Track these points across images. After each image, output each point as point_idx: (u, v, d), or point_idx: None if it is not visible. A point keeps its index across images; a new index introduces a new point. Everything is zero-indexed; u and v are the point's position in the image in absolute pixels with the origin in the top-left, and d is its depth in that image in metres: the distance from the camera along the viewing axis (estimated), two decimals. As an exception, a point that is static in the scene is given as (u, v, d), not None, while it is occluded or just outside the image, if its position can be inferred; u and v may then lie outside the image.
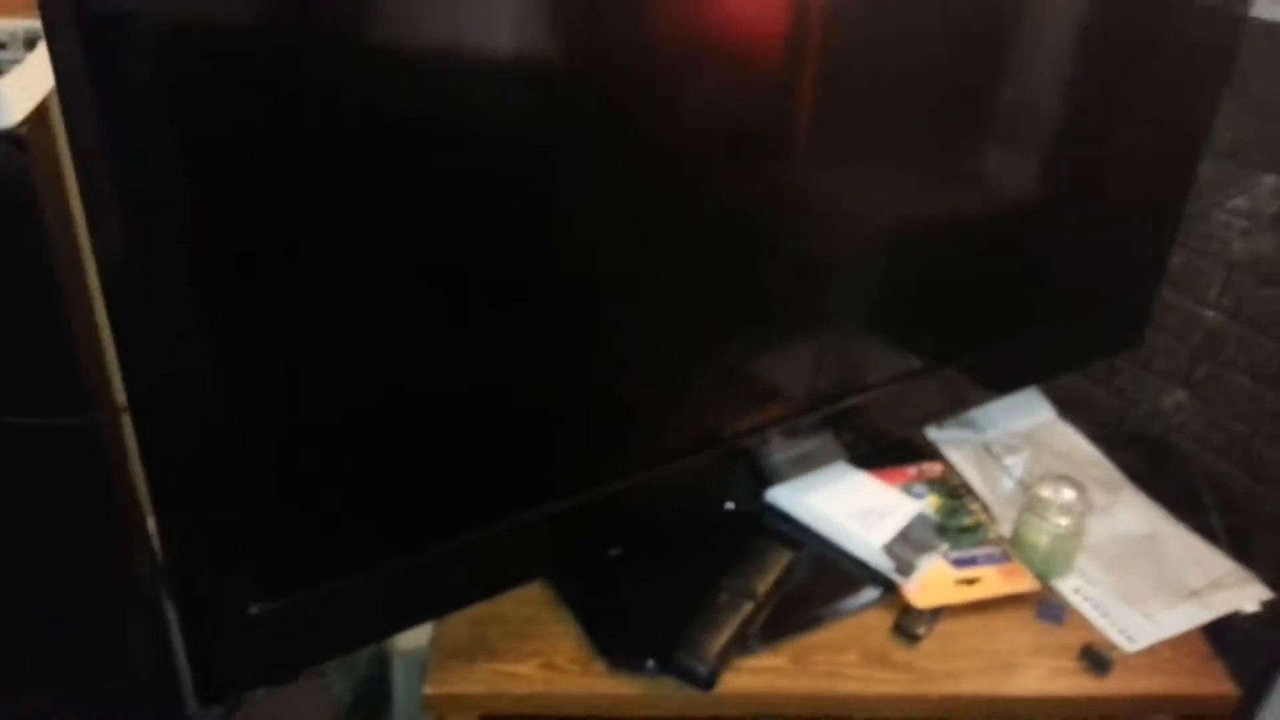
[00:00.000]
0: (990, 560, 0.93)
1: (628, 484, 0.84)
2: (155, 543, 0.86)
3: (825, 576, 0.91)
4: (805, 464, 0.96)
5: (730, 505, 0.97)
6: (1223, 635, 0.92)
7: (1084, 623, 0.90)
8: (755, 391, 0.91)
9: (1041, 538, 0.92)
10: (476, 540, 0.76)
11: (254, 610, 0.66)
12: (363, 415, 0.67)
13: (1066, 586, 0.92)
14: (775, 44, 0.76)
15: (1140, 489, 1.05)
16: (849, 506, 0.94)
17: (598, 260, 0.75)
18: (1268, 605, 0.94)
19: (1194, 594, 0.92)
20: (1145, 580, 0.93)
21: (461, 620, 0.84)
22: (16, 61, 0.69)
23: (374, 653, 1.20)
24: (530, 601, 0.87)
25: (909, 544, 0.92)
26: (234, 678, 0.68)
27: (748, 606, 0.84)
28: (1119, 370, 1.25)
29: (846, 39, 0.78)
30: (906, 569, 0.90)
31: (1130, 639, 0.88)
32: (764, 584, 0.86)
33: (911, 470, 1.02)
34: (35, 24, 0.73)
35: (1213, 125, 1.07)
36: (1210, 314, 1.14)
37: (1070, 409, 1.23)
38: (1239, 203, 1.09)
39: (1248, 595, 0.93)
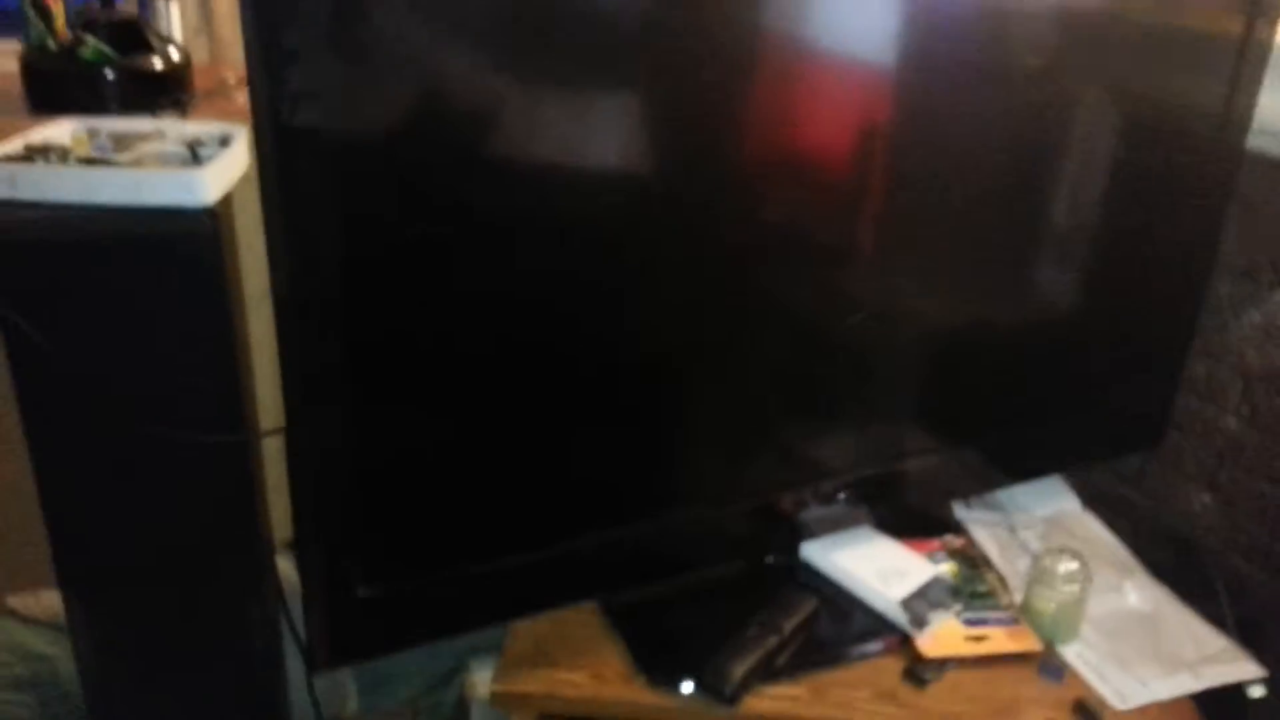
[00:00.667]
0: (999, 623, 1.03)
1: (680, 527, 0.99)
2: (279, 567, 1.03)
3: (846, 623, 1.03)
4: (838, 525, 1.09)
5: (770, 559, 1.10)
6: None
7: (1081, 683, 0.99)
8: (802, 459, 1.05)
9: (1048, 605, 1.02)
10: (549, 558, 0.91)
11: (361, 593, 0.82)
12: (461, 449, 0.84)
13: (1069, 651, 1.02)
14: (844, 170, 0.93)
15: (1151, 574, 1.14)
16: (873, 565, 1.06)
17: (682, 346, 0.92)
18: (1273, 690, 1.02)
19: (1188, 665, 1.01)
20: (1143, 650, 1.02)
21: (528, 634, 0.99)
22: (214, 157, 0.89)
23: (456, 698, 1.35)
24: (587, 625, 1.01)
25: (925, 601, 1.03)
26: (342, 649, 0.84)
27: (773, 640, 0.96)
28: (1150, 473, 1.34)
29: (906, 165, 0.95)
30: (920, 622, 1.01)
31: (1123, 698, 0.97)
32: (790, 623, 0.98)
33: (936, 542, 1.13)
34: (229, 128, 0.94)
35: (1222, 246, 1.18)
36: (1231, 421, 1.24)
37: (1105, 506, 1.33)
38: (1254, 317, 1.20)
39: (1240, 671, 1.01)
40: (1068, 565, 1.01)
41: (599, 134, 0.80)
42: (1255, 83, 1.07)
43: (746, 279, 0.93)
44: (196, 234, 0.82)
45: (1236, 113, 1.08)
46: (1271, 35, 1.05)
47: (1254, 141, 1.12)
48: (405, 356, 0.78)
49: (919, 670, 0.98)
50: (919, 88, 0.93)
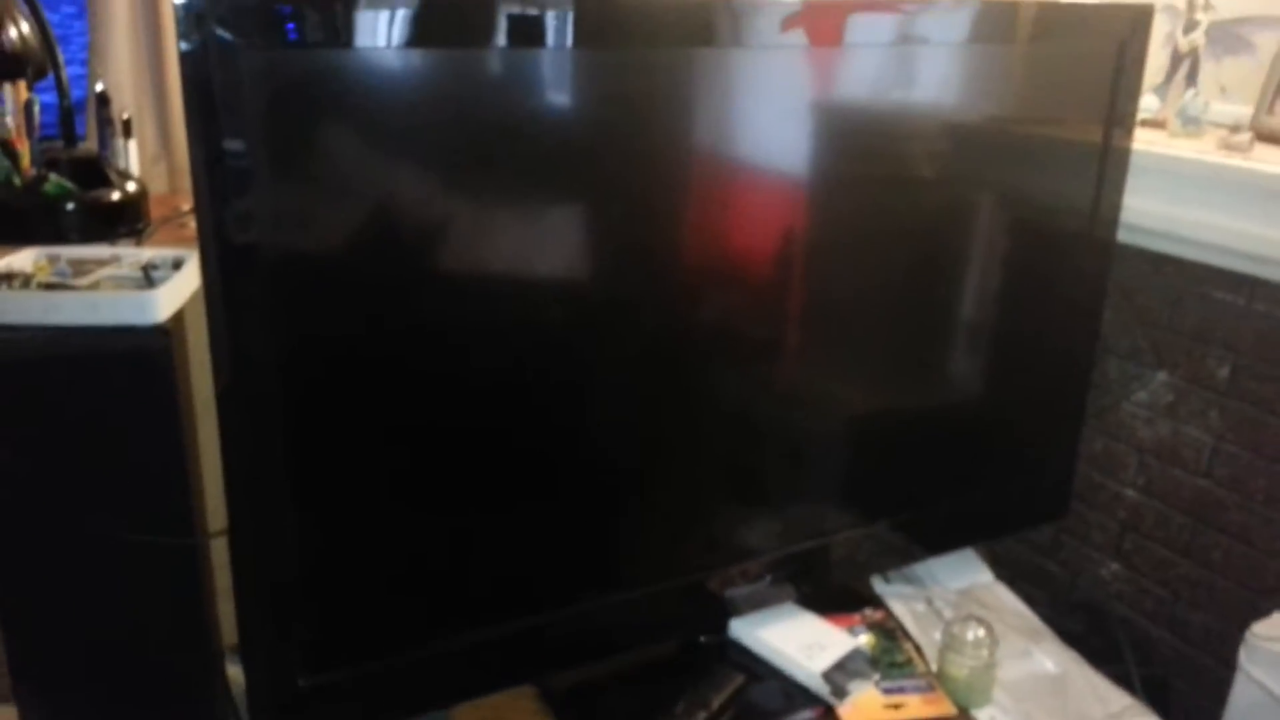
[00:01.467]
0: (916, 690, 1.10)
1: (614, 608, 1.05)
2: (229, 672, 1.08)
3: (772, 696, 1.09)
4: (763, 602, 1.16)
5: (703, 639, 1.16)
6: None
7: (995, 745, 1.05)
8: (730, 540, 1.12)
9: (960, 671, 1.09)
10: (485, 643, 0.97)
11: (302, 683, 0.87)
12: (397, 541, 0.90)
13: (983, 715, 1.08)
14: (767, 272, 1.03)
15: (1061, 640, 1.21)
16: (796, 640, 1.12)
17: (617, 438, 0.99)
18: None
19: (1095, 724, 1.08)
20: (1053, 711, 1.09)
21: (470, 715, 1.03)
22: (166, 278, 0.97)
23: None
24: (525, 709, 1.06)
25: (845, 672, 1.09)
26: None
27: (701, 715, 1.02)
28: (1063, 544, 1.43)
29: (821, 267, 1.05)
30: (841, 692, 1.07)
31: (1033, 758, 1.03)
32: (718, 699, 1.04)
33: (856, 616, 1.20)
34: (181, 252, 1.02)
35: (1107, 332, 1.29)
36: (1130, 492, 1.33)
37: (1024, 579, 1.41)
38: (1141, 395, 1.30)
39: (1145, 728, 1.08)
40: (975, 632, 1.08)
41: (535, 246, 0.89)
42: (1118, 184, 1.19)
43: (678, 373, 1.01)
44: (149, 349, 0.90)
45: (1104, 211, 1.20)
46: (1127, 143, 1.17)
47: (1126, 236, 1.24)
48: (342, 456, 0.85)
49: (840, 739, 1.04)
50: (830, 196, 1.03)
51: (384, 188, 0.80)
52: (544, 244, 0.90)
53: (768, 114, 0.97)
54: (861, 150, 1.04)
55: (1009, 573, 1.39)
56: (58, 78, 1.00)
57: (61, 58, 1.02)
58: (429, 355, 0.86)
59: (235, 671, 1.09)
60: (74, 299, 0.89)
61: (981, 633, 1.08)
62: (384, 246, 0.82)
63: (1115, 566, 1.37)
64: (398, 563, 0.91)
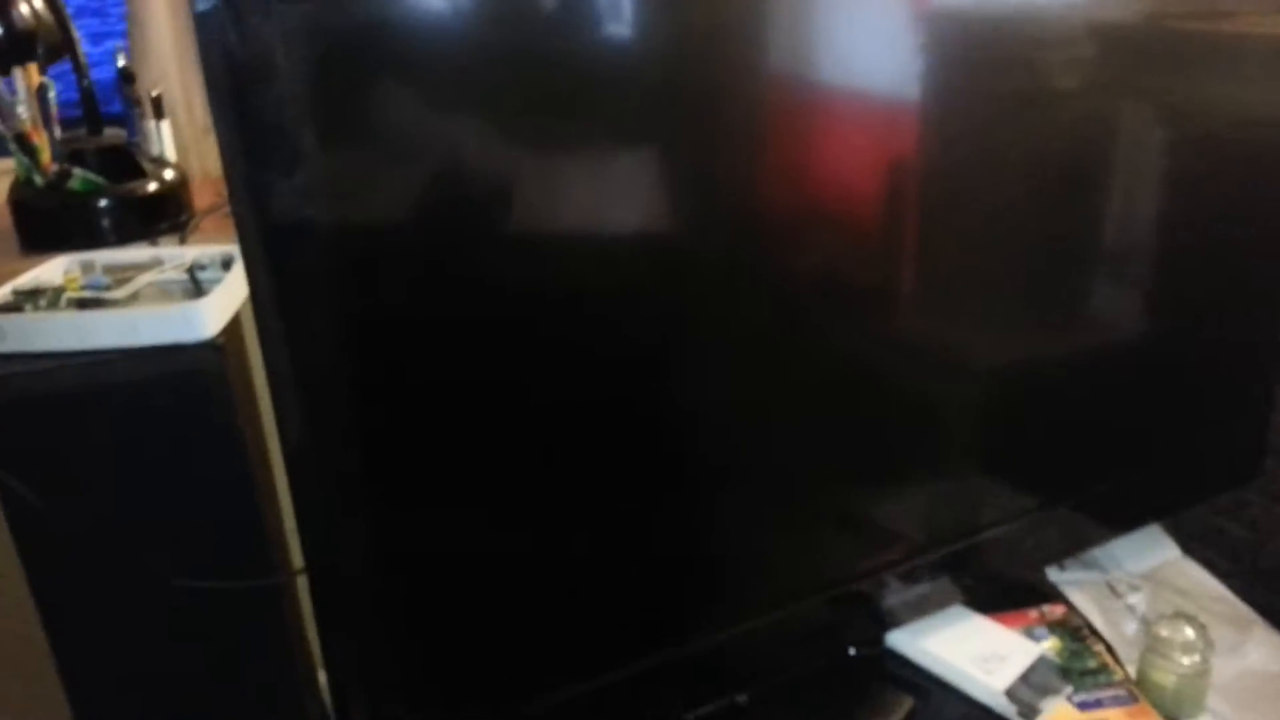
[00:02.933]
0: (1116, 702, 0.93)
1: (749, 629, 0.90)
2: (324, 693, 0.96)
3: (948, 720, 0.93)
4: (923, 608, 1.00)
5: (853, 651, 1.00)
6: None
7: (1219, 765, 0.89)
8: (872, 536, 0.96)
9: (1167, 678, 0.92)
10: (602, 684, 0.82)
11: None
12: (495, 578, 0.76)
13: (1199, 728, 0.92)
14: (877, 205, 0.85)
15: (1272, 626, 1.04)
16: (969, 650, 0.96)
17: (719, 414, 0.82)
18: None
19: (1337, 734, 0.90)
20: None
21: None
22: (216, 281, 0.83)
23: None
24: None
25: (1031, 688, 0.93)
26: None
27: (870, 751, 0.87)
28: (1249, 503, 1.24)
29: (947, 195, 0.86)
30: (1030, 713, 0.91)
31: (1270, 782, 0.86)
32: (886, 728, 0.89)
33: (1032, 613, 1.03)
34: (230, 248, 0.88)
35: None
36: (1334, 444, 1.14)
37: (1203, 543, 1.22)
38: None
39: (1397, 735, 0.90)
40: (1185, 634, 0.91)
41: (620, 199, 0.73)
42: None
43: (793, 342, 0.84)
44: (199, 371, 0.75)
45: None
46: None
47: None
48: (434, 474, 0.70)
49: (1036, 768, 0.88)
50: (949, 119, 0.85)
51: (453, 146, 0.64)
52: (636, 194, 0.73)
53: (871, 24, 0.79)
54: (985, 58, 0.85)
55: (1180, 536, 1.22)
56: (73, 54, 0.86)
57: (76, 32, 0.87)
58: (524, 336, 0.70)
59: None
60: (109, 318, 0.76)
61: (1192, 634, 0.92)
62: (462, 213, 0.66)
63: (1315, 529, 1.18)
64: (500, 595, 0.76)
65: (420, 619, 0.73)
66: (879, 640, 1.00)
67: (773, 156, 0.78)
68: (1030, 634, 1.00)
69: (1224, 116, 1.00)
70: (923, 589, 0.99)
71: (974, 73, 0.84)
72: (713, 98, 0.73)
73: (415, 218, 0.64)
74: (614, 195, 0.72)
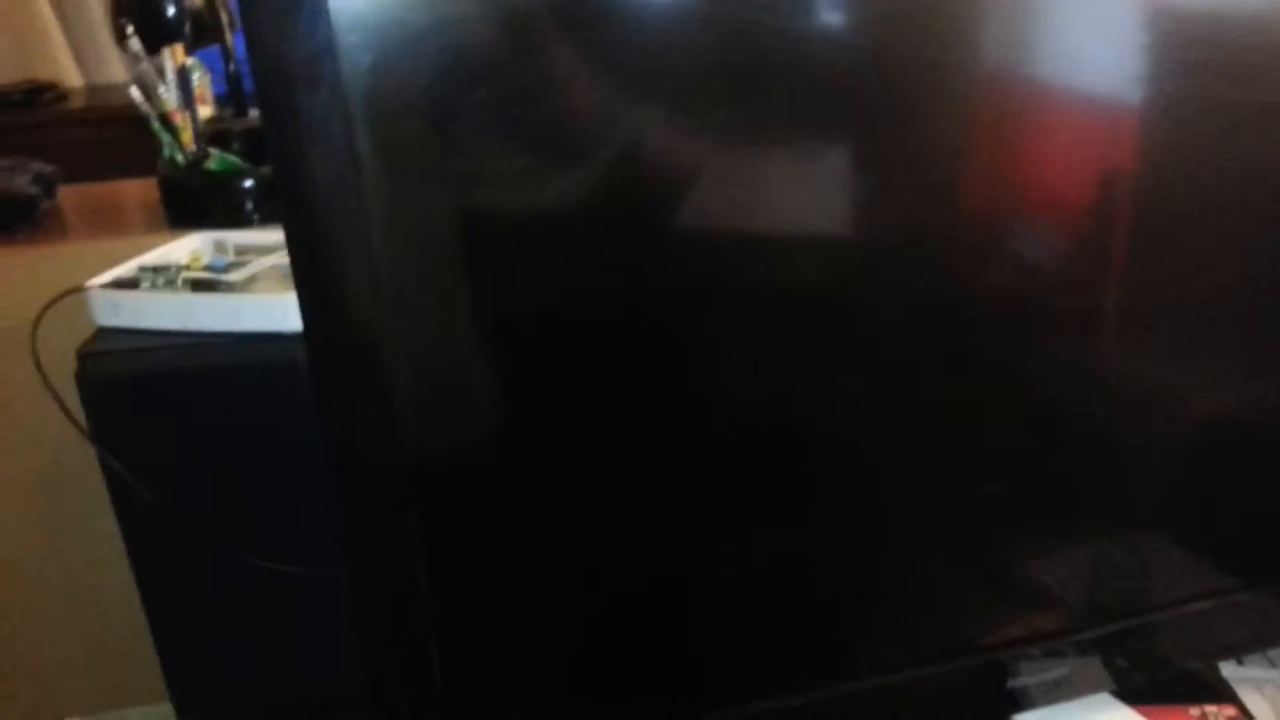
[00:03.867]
0: (1286, 837, 0.79)
1: (872, 686, 0.82)
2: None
3: (1073, 827, 0.82)
4: (1065, 691, 0.88)
5: (977, 729, 0.90)
6: None
7: None
8: (1027, 600, 0.86)
9: (1356, 819, 0.77)
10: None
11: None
12: (607, 599, 0.71)
13: None
14: (1082, 219, 0.75)
15: None
16: (1108, 748, 0.85)
17: (882, 442, 0.75)
18: None
19: None
20: None
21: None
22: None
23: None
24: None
25: (1179, 803, 0.81)
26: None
27: None
28: None
29: (1165, 215, 0.75)
30: (1174, 832, 0.79)
31: None
32: (996, 826, 0.79)
33: (1193, 711, 0.90)
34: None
35: None
36: None
37: None
38: None
39: None
40: (1384, 773, 0.76)
41: (808, 196, 0.66)
42: None
43: (975, 368, 0.75)
44: (295, 363, 0.75)
45: None
46: None
47: None
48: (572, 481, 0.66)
49: None
50: (1175, 129, 0.73)
51: (626, 134, 0.59)
52: (818, 196, 0.66)
53: (1096, 19, 0.68)
54: (1219, 65, 0.72)
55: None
56: (220, 37, 0.87)
57: (227, 15, 0.89)
58: (679, 342, 0.65)
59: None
60: (212, 302, 0.76)
61: (1395, 774, 0.76)
62: (628, 205, 0.61)
63: None
64: (604, 618, 0.72)
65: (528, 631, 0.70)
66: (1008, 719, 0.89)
67: (978, 161, 0.69)
68: (1189, 739, 0.86)
69: None
70: (1069, 668, 0.87)
71: (1205, 79, 0.72)
72: (917, 93, 0.65)
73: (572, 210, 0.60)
74: (799, 194, 0.65)
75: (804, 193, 0.66)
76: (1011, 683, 0.86)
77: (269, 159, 0.53)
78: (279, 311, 0.75)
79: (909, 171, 0.68)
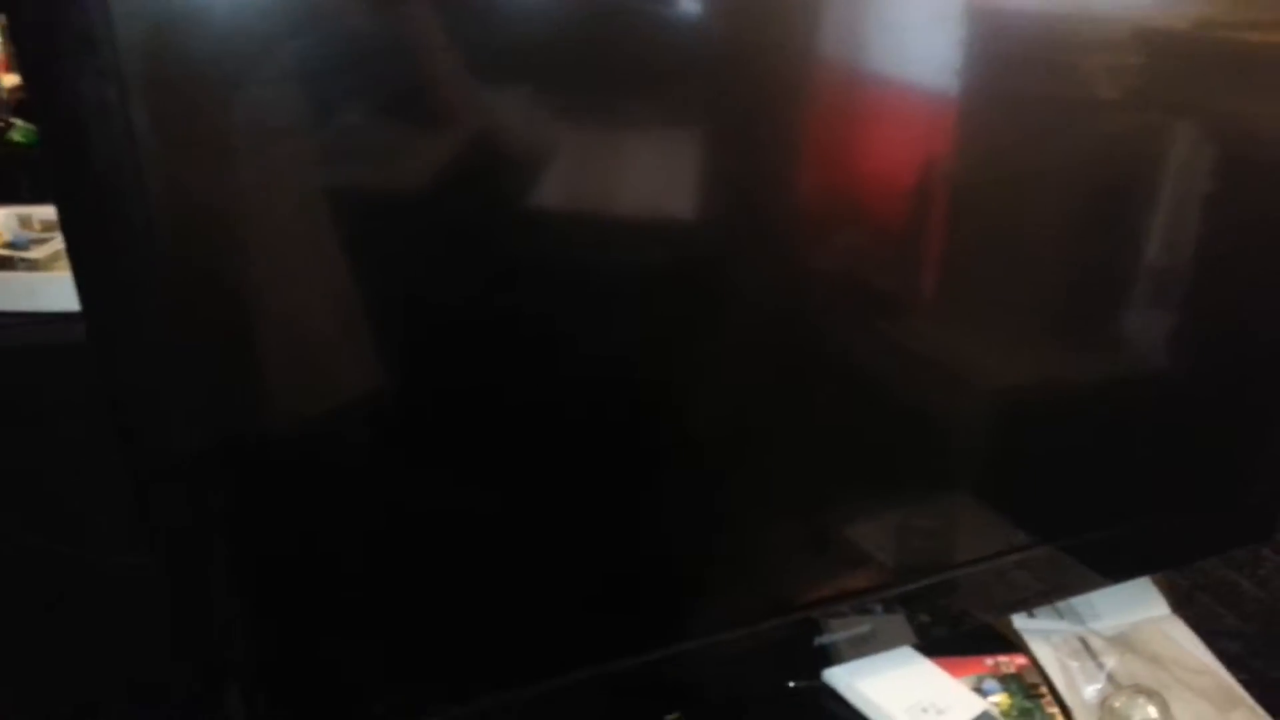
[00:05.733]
0: (1060, 772, 0.87)
1: (692, 647, 0.85)
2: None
3: (872, 771, 0.88)
4: (871, 645, 0.94)
5: (792, 684, 0.95)
6: None
7: None
8: (838, 559, 0.90)
9: (1121, 753, 0.85)
10: (531, 696, 0.79)
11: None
12: (440, 572, 0.72)
13: (1149, 811, 0.85)
14: (905, 205, 0.79)
15: (1264, 708, 0.95)
16: (907, 698, 0.90)
17: (709, 410, 0.78)
18: None
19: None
20: (1244, 815, 0.84)
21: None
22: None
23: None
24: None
25: (968, 745, 0.87)
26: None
27: (778, 795, 0.82)
28: (1264, 559, 1.15)
29: (977, 200, 0.80)
30: (961, 772, 0.85)
31: None
32: (801, 772, 0.84)
33: (987, 661, 0.96)
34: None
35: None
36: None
37: (1210, 594, 1.13)
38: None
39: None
40: (1144, 711, 0.84)
41: (638, 180, 0.68)
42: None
43: (797, 342, 0.79)
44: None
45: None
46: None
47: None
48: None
49: (956, 834, 0.82)
50: (989, 119, 0.78)
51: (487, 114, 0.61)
52: (648, 177, 0.68)
53: (913, 16, 0.72)
54: (1028, 58, 0.77)
55: (1185, 585, 1.13)
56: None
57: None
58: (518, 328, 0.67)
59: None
60: (8, 281, 0.74)
61: (1153, 712, 0.84)
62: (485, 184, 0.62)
63: (1336, 598, 1.08)
64: (414, 588, 0.73)
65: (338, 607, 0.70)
66: (816, 674, 0.94)
67: (808, 145, 0.73)
68: (979, 685, 0.93)
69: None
70: (874, 624, 0.93)
71: (1016, 73, 0.77)
72: (753, 79, 0.68)
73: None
74: (636, 177, 0.68)
75: (652, 175, 0.68)
76: (821, 639, 0.91)
77: (40, 138, 0.51)
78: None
79: (749, 155, 0.70)
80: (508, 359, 0.68)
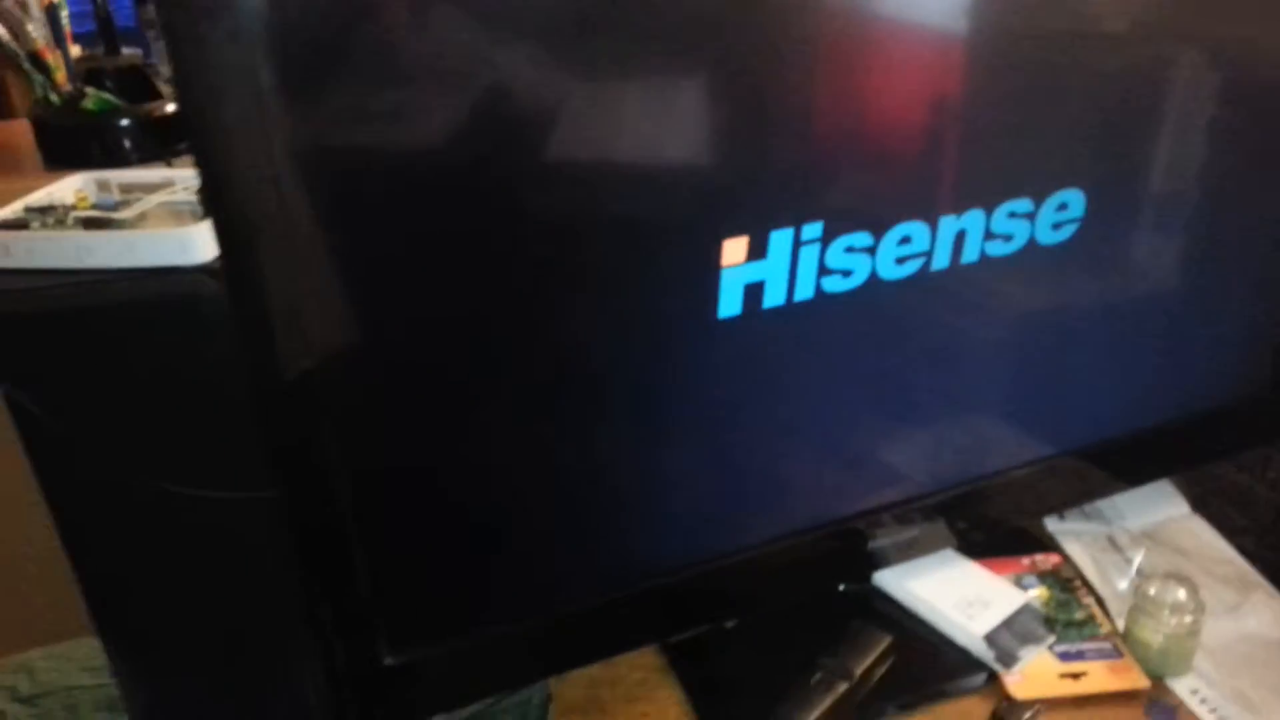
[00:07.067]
0: (1099, 655, 0.93)
1: (743, 559, 0.91)
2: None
3: (926, 662, 0.94)
4: (915, 550, 1.00)
5: (841, 587, 1.02)
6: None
7: (1197, 726, 0.89)
8: (873, 475, 0.96)
9: (1154, 636, 0.92)
10: (596, 606, 0.85)
11: (389, 662, 0.78)
12: (484, 500, 0.78)
13: (1183, 687, 0.91)
14: (914, 139, 0.82)
15: (1276, 590, 1.02)
16: (953, 594, 0.97)
17: (730, 343, 0.81)
18: None
19: (1324, 703, 0.89)
20: (1271, 687, 0.91)
21: (580, 680, 0.93)
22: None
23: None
24: (642, 667, 0.95)
25: (1013, 634, 0.94)
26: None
27: (842, 686, 0.88)
28: (1275, 462, 1.21)
29: (985, 128, 0.84)
30: (1008, 660, 0.92)
31: (1246, 746, 0.86)
32: (860, 665, 0.90)
33: (1025, 561, 1.03)
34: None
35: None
36: (1367, 407, 1.10)
37: (1223, 499, 1.20)
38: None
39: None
40: (1175, 594, 0.90)
41: (650, 127, 0.71)
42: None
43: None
44: (196, 295, 0.78)
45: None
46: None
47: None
48: (430, 397, 0.72)
49: (1008, 715, 0.89)
50: (993, 54, 0.82)
51: (485, 68, 0.64)
52: (662, 122, 0.71)
53: None
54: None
55: (1200, 490, 1.20)
56: (86, -27, 0.87)
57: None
58: (542, 255, 0.71)
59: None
60: (108, 239, 0.78)
61: (1183, 595, 0.91)
62: (480, 138, 0.65)
63: (1342, 492, 1.15)
64: (490, 513, 0.79)
65: (400, 540, 0.76)
66: (867, 578, 1.01)
67: (817, 90, 0.76)
68: (1019, 582, 1.00)
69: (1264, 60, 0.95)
70: (916, 531, 0.99)
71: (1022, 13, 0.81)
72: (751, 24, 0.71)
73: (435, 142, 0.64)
74: (658, 126, 0.71)
75: (663, 124, 0.72)
76: (871, 545, 0.97)
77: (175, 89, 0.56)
78: (175, 245, 0.78)
79: (761, 99, 0.75)
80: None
